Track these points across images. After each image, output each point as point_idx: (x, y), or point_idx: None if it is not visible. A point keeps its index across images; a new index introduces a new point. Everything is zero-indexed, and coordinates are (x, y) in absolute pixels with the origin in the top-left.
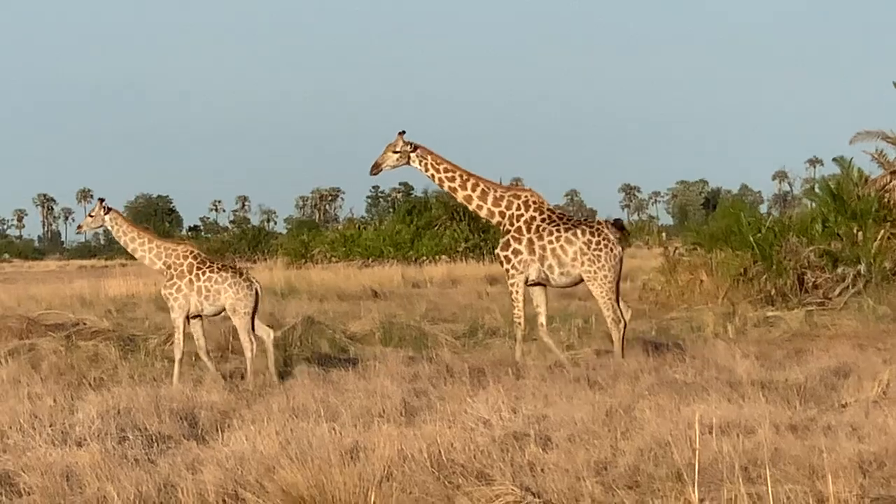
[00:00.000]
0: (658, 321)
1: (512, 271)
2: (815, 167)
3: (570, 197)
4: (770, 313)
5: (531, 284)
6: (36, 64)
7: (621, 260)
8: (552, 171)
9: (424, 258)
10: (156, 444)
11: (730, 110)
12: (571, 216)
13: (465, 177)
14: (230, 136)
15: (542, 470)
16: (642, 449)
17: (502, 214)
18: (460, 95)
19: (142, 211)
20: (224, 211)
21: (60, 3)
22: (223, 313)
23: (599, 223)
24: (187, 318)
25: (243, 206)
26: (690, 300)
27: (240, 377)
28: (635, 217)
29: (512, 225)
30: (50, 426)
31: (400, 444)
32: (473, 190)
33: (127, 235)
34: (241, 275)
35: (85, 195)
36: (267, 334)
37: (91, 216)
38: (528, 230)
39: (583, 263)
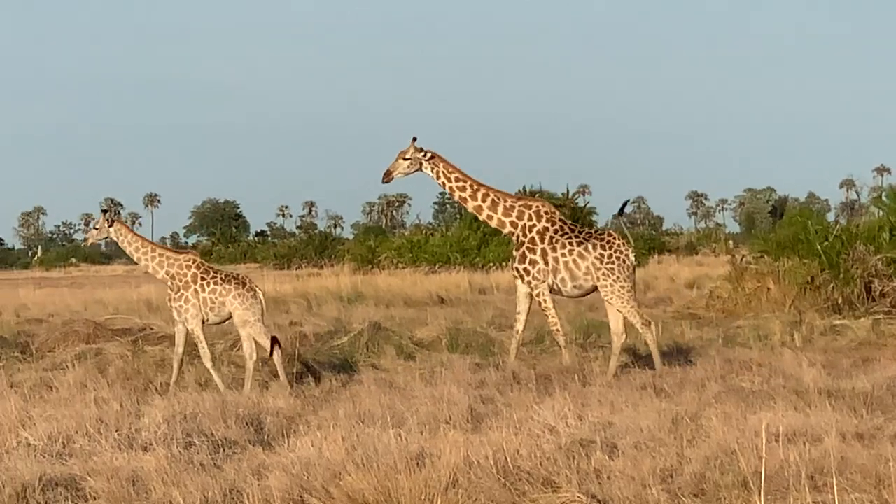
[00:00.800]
0: (725, 329)
1: (534, 282)
2: (882, 175)
3: (636, 204)
4: (837, 322)
5: (528, 291)
6: (104, 65)
7: (634, 268)
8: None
9: (491, 264)
10: (222, 450)
11: (798, 118)
12: (582, 228)
13: (475, 186)
14: (298, 141)
15: (608, 477)
16: (708, 457)
17: (514, 225)
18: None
19: (208, 216)
20: (291, 216)
21: (129, 3)
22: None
23: (611, 235)
24: (189, 325)
25: (310, 211)
26: (757, 308)
27: (307, 383)
28: (702, 224)
29: (525, 236)
30: (116, 431)
31: (466, 450)
32: (484, 200)
33: (131, 245)
34: (244, 285)
35: (152, 200)
36: (265, 340)
37: (96, 228)
38: (542, 241)
39: (598, 279)
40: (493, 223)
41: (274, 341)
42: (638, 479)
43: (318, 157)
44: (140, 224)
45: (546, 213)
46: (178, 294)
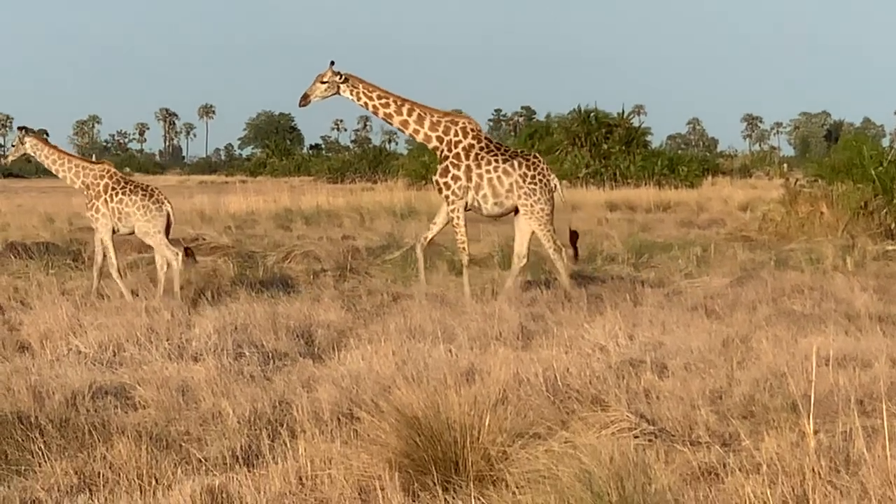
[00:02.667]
0: (777, 252)
1: (452, 197)
2: None
3: (691, 125)
4: (889, 247)
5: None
6: None
7: (553, 193)
8: (675, 99)
9: None
10: (272, 361)
11: (854, 43)
12: (508, 147)
13: (399, 102)
14: (355, 53)
15: (657, 397)
16: (758, 379)
17: (440, 140)
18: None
19: (263, 128)
20: (346, 130)
21: None
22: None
23: (535, 156)
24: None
25: (365, 125)
26: (810, 232)
27: (357, 297)
28: (756, 147)
29: (450, 151)
30: (167, 340)
31: (516, 367)
32: (409, 115)
33: (48, 158)
34: (150, 196)
35: (207, 111)
36: (172, 254)
37: (13, 146)
38: (467, 157)
39: (519, 196)
40: (420, 138)
41: (188, 253)
42: (687, 400)
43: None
44: (195, 135)
45: (472, 129)
46: (91, 204)
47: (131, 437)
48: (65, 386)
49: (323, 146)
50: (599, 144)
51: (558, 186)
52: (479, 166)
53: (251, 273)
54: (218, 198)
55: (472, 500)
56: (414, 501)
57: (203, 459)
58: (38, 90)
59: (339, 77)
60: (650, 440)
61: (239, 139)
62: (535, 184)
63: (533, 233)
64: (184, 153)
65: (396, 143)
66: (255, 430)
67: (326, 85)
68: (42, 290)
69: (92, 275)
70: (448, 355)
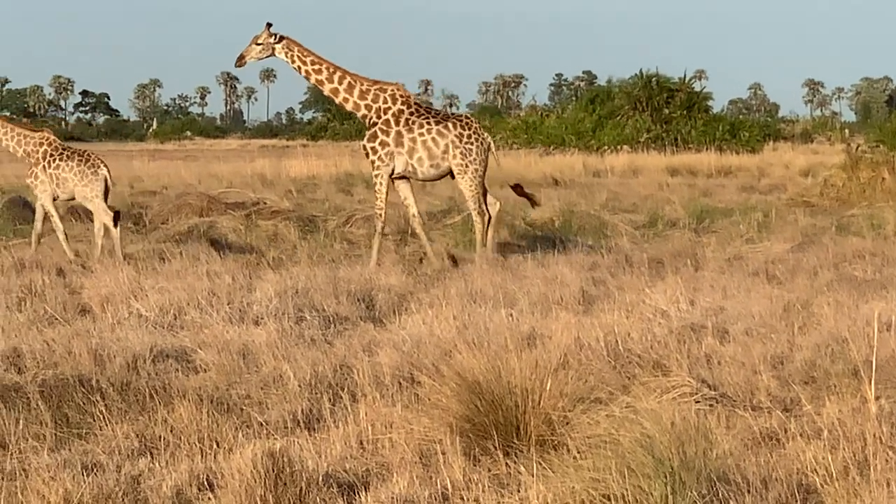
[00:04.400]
0: (838, 217)
1: (378, 163)
2: None
3: (753, 90)
4: None
5: (397, 178)
6: None
7: (488, 153)
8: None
9: (606, 148)
10: (333, 325)
11: None
12: (439, 111)
13: (331, 69)
14: (414, 17)
15: (719, 362)
16: (819, 344)
17: (368, 108)
18: None
19: None
20: None
21: None
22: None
23: (468, 118)
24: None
25: (426, 90)
26: (871, 197)
27: (418, 261)
28: (818, 112)
29: (379, 118)
30: (228, 304)
31: (577, 332)
32: (340, 83)
33: None
34: (86, 161)
35: (268, 75)
36: (109, 218)
37: None
38: (397, 123)
39: (454, 157)
40: (349, 106)
41: (116, 216)
42: (748, 365)
43: (436, 36)
44: (256, 99)
45: (402, 96)
46: (31, 171)
47: (192, 401)
48: (126, 349)
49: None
50: (661, 109)
51: (492, 147)
52: (410, 131)
53: (312, 237)
54: (279, 162)
55: (534, 465)
56: (475, 466)
57: (264, 423)
58: (100, 54)
59: (273, 39)
60: (711, 405)
61: (300, 103)
62: (472, 143)
63: (485, 189)
64: (245, 117)
65: (457, 108)
66: (316, 393)
67: (261, 47)
68: (103, 254)
69: (32, 241)
70: (509, 320)
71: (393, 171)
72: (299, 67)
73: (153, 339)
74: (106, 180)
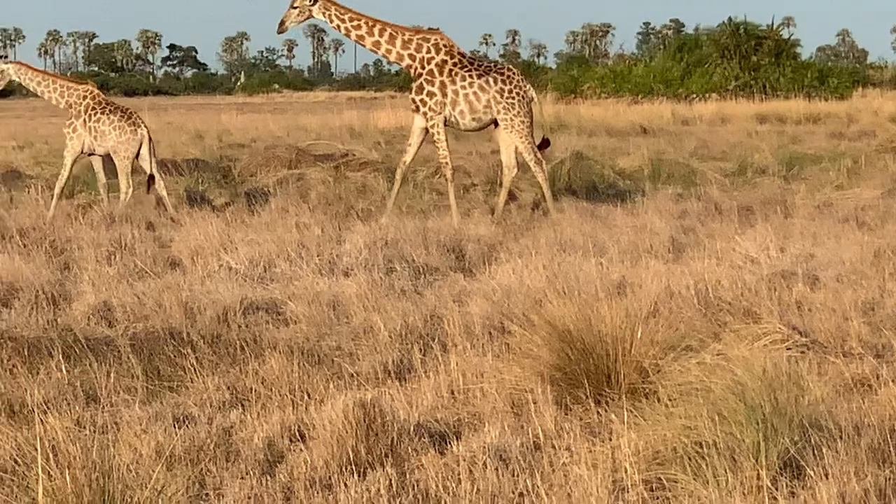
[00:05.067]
0: None
1: (430, 113)
2: None
3: (841, 37)
4: None
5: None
6: None
7: (531, 104)
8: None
9: (694, 95)
10: (422, 276)
11: None
12: (482, 61)
13: (370, 23)
14: None
15: (809, 309)
16: None
17: (412, 57)
18: None
19: None
20: (494, 45)
21: None
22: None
23: (510, 69)
24: (81, 157)
25: (513, 40)
26: None
27: (507, 211)
28: None
29: (423, 68)
30: (317, 256)
31: (667, 280)
32: (381, 35)
33: (34, 80)
34: (128, 119)
35: None
36: (128, 188)
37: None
38: (441, 73)
39: (498, 112)
40: (392, 57)
41: (150, 181)
42: (839, 312)
43: None
44: (343, 51)
45: (445, 45)
46: (69, 122)
47: (283, 353)
48: (216, 302)
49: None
50: (749, 57)
51: (535, 98)
52: (453, 82)
53: (401, 188)
54: (367, 114)
55: (625, 413)
56: (566, 414)
57: (355, 374)
58: (187, 8)
59: (309, 1)
60: (802, 352)
61: None
62: (513, 97)
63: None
64: (332, 69)
65: (545, 58)
66: (407, 344)
67: (297, 10)
68: (192, 207)
69: (101, 196)
70: (599, 269)
71: (445, 119)
72: (338, 26)
73: (243, 292)
74: (142, 140)
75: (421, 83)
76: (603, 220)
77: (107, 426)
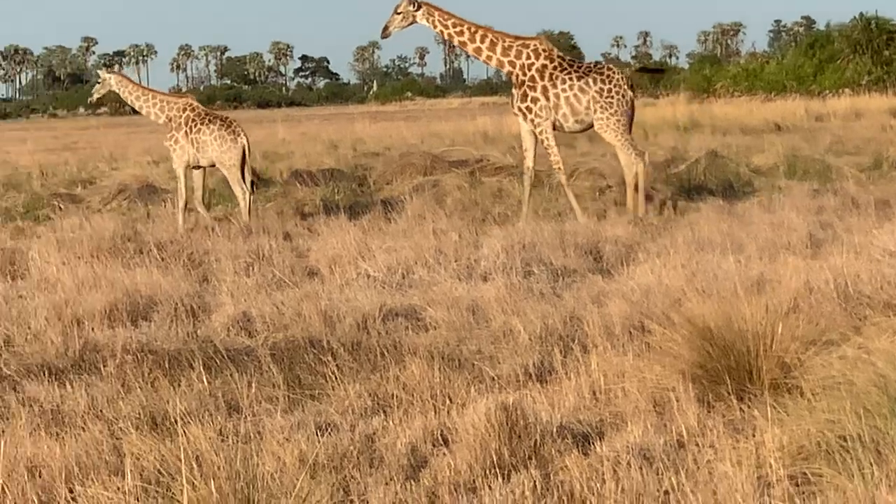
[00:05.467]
0: None
1: (537, 119)
2: None
3: None
4: None
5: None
6: None
7: (632, 106)
8: None
9: (827, 91)
10: (560, 278)
11: None
12: (581, 63)
13: (473, 29)
14: None
15: None
16: None
17: (512, 64)
18: None
19: None
20: (626, 46)
21: None
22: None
23: (610, 69)
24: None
25: (644, 41)
26: None
27: (643, 212)
28: None
29: (525, 74)
30: (455, 261)
31: (806, 275)
32: (482, 41)
33: (132, 94)
34: (227, 128)
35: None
36: (243, 193)
37: (98, 83)
38: (542, 77)
39: (595, 111)
40: (493, 63)
41: (254, 184)
42: None
43: None
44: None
45: (544, 50)
46: (170, 135)
47: (423, 358)
48: (355, 309)
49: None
50: (881, 51)
51: (633, 100)
52: (554, 86)
53: (536, 192)
54: (500, 119)
55: (768, 409)
56: (709, 412)
57: (496, 377)
58: (318, 19)
59: (413, 6)
60: None
61: None
62: (612, 97)
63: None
64: (464, 76)
65: (677, 58)
66: (547, 346)
67: (401, 15)
68: (329, 217)
69: (198, 212)
70: (737, 266)
71: (553, 125)
72: (441, 31)
73: (382, 299)
74: (244, 149)
75: (524, 91)
76: (740, 218)
77: (249, 435)
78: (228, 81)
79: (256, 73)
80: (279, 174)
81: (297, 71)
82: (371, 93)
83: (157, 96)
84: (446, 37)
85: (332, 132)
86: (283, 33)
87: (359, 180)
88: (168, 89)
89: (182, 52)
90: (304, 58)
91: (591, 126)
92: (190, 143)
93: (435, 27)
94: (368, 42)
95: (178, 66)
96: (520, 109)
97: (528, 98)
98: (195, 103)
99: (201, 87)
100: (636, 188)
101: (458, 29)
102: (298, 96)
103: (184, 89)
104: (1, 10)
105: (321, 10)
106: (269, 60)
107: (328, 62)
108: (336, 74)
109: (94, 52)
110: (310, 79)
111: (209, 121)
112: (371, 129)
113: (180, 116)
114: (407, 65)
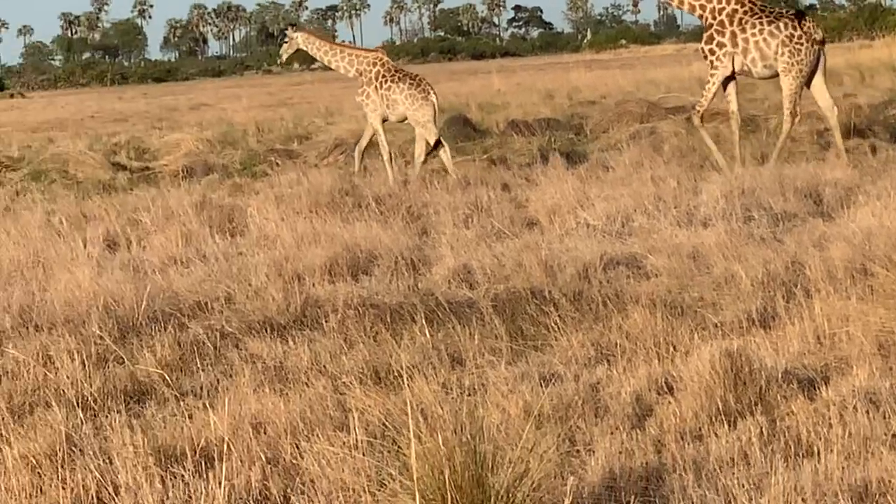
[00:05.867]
0: None
1: (716, 63)
2: None
3: None
4: None
5: (730, 76)
6: None
7: (819, 56)
8: None
9: None
10: (781, 223)
11: None
12: (773, 9)
13: None
14: None
15: None
16: None
17: (703, 8)
18: None
19: None
20: None
21: None
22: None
23: (801, 15)
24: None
25: None
26: None
27: (862, 154)
28: None
29: (714, 18)
30: (674, 208)
31: None
32: None
33: (321, 50)
34: (417, 85)
35: None
36: (434, 140)
37: (286, 42)
38: (731, 23)
39: (782, 54)
40: (685, 7)
41: (437, 144)
42: None
43: None
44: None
45: None
46: (361, 89)
47: (645, 306)
48: (576, 259)
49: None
50: None
51: (824, 48)
52: (743, 31)
53: (754, 137)
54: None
55: None
56: None
57: (719, 324)
58: None
59: None
60: None
61: None
62: (801, 44)
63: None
64: (678, 22)
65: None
66: (769, 291)
67: None
68: (546, 166)
69: (353, 155)
70: None
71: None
72: None
73: (602, 248)
74: (434, 106)
75: (711, 34)
76: None
77: (473, 388)
78: (442, 33)
79: (470, 25)
80: (495, 125)
81: (510, 21)
82: (585, 41)
83: (345, 50)
84: None
85: (547, 82)
86: None
87: (575, 129)
88: (382, 42)
89: (395, 5)
90: (517, 7)
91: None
92: (381, 98)
93: None
94: None
95: (390, 20)
96: (701, 51)
97: (714, 41)
98: (385, 58)
99: (415, 40)
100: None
101: None
102: (512, 47)
103: (397, 42)
104: None
105: None
106: (482, 11)
107: (541, 11)
108: (549, 24)
109: (306, 7)
110: (523, 29)
111: (399, 78)
112: (586, 77)
113: (370, 71)
114: (620, 12)
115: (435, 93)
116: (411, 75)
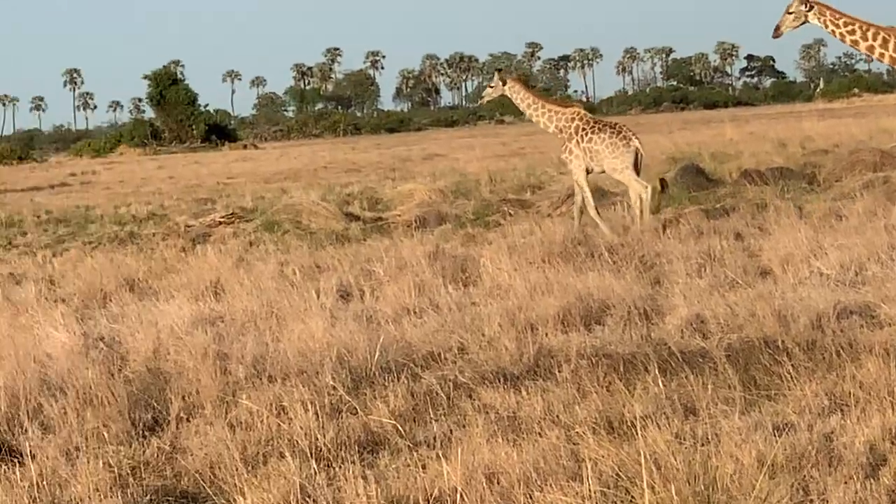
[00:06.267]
0: None
1: None
2: None
3: None
4: None
5: None
6: None
7: None
8: None
9: None
10: None
11: None
12: None
13: (864, 28)
14: None
15: None
16: None
17: None
18: None
19: None
20: None
21: None
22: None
23: None
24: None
25: None
26: None
27: None
28: None
29: None
30: None
31: None
32: (875, 39)
33: (524, 102)
34: (618, 134)
35: None
36: (644, 188)
37: (491, 87)
38: None
39: None
40: (886, 60)
41: (663, 184)
42: None
43: None
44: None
45: None
46: (564, 147)
47: (879, 356)
48: (809, 308)
49: None
50: None
51: None
52: None
53: None
54: None
55: None
56: None
57: None
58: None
59: (805, 6)
60: None
61: None
62: None
63: None
64: None
65: None
66: None
67: (793, 15)
68: (780, 215)
69: (573, 214)
70: None
71: None
72: (833, 31)
73: (836, 297)
74: (637, 151)
75: None
76: None
77: (707, 438)
78: (674, 83)
79: (702, 74)
80: (728, 174)
81: (742, 70)
82: (818, 90)
83: (545, 105)
84: (838, 36)
85: (780, 131)
86: (728, 33)
87: (808, 178)
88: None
89: (627, 55)
90: (749, 57)
91: None
92: (583, 151)
93: (826, 27)
94: (814, 40)
95: (623, 69)
96: None
97: None
98: (583, 111)
99: (647, 90)
100: None
101: (849, 28)
102: (745, 96)
103: (629, 92)
104: (445, 19)
105: (766, 9)
106: (715, 61)
107: (774, 61)
108: (782, 73)
109: (538, 58)
110: (756, 78)
111: (599, 129)
112: (818, 126)
113: (570, 126)
114: (853, 61)
115: (638, 138)
116: (611, 124)
